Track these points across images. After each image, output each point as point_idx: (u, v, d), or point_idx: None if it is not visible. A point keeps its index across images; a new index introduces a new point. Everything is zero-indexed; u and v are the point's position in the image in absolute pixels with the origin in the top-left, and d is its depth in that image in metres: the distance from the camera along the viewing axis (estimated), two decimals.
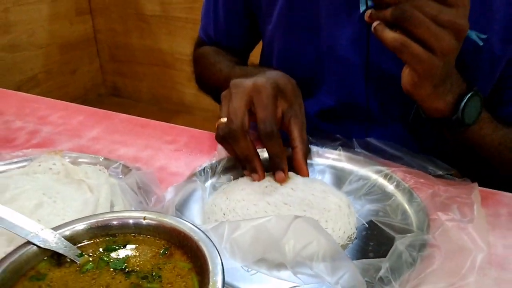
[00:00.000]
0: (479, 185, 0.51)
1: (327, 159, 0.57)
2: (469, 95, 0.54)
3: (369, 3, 0.50)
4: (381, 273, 0.37)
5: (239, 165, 0.54)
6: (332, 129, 0.65)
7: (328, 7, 0.63)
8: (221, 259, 0.33)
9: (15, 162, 0.57)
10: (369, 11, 0.49)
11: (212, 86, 0.78)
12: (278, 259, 0.38)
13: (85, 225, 0.37)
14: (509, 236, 0.46)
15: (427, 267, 0.39)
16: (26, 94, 0.88)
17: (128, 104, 1.67)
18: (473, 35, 0.55)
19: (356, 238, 0.44)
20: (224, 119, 0.52)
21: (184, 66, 1.63)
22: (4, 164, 0.57)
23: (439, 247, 0.40)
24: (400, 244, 0.40)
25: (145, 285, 0.33)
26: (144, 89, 1.64)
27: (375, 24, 0.48)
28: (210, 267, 0.33)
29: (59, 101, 0.84)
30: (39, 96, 0.85)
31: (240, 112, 0.51)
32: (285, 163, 0.51)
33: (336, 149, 0.58)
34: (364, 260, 0.39)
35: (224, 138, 0.52)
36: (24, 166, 0.56)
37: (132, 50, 1.58)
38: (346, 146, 0.59)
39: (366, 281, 0.36)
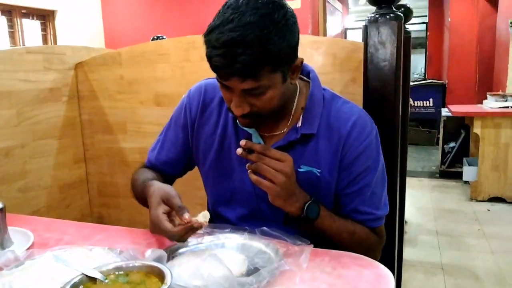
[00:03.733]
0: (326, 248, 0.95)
1: (239, 239, 0.99)
2: (308, 202, 0.98)
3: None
4: (249, 280, 0.77)
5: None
6: (245, 225, 1.06)
7: (238, 161, 1.08)
8: (171, 276, 0.74)
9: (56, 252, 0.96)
10: (241, 150, 0.93)
11: (137, 199, 1.18)
12: (199, 279, 0.78)
13: (108, 266, 0.78)
14: (322, 266, 0.87)
15: (272, 279, 0.80)
16: (47, 218, 1.29)
17: None
18: (314, 170, 1.04)
19: (245, 273, 0.85)
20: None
21: None
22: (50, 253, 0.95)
23: (280, 270, 0.82)
24: (263, 270, 0.81)
25: (137, 286, 0.73)
26: (124, 217, 2.03)
27: (249, 172, 0.95)
28: (166, 280, 0.73)
29: (70, 221, 1.25)
30: (57, 219, 1.27)
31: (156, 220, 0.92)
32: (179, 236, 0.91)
33: (243, 235, 1.00)
34: (242, 278, 0.79)
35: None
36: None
37: (116, 187, 2.01)
38: (251, 233, 1.02)
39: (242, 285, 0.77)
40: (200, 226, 0.90)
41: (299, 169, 1.03)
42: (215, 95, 1.16)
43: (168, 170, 1.23)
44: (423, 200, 4.17)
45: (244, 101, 0.94)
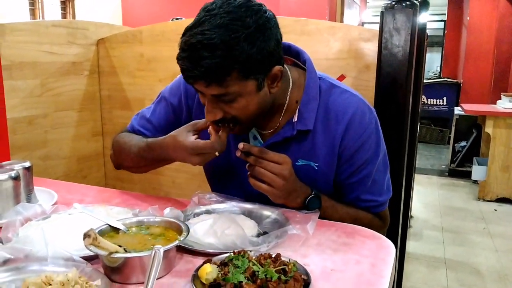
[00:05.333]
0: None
1: (249, 207, 1.04)
2: (310, 197, 0.99)
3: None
4: (260, 240, 0.83)
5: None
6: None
7: (236, 156, 0.97)
8: (188, 230, 0.80)
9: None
10: (240, 153, 0.94)
11: (125, 162, 1.17)
12: (213, 236, 0.84)
13: (131, 219, 0.84)
14: (328, 234, 0.92)
15: (281, 241, 0.85)
16: (69, 182, 1.36)
17: None
18: (311, 164, 1.05)
19: (257, 235, 0.90)
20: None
21: (169, 172, 2.08)
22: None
23: (288, 234, 0.87)
24: (272, 233, 0.87)
25: (157, 238, 0.79)
26: (137, 191, 2.12)
27: (248, 174, 0.95)
28: (183, 232, 0.79)
29: (91, 185, 1.32)
30: (78, 183, 1.33)
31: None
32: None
33: (254, 204, 1.05)
34: (253, 238, 0.85)
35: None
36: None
37: None
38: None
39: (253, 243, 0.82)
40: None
41: (296, 163, 1.03)
42: None
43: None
44: (431, 197, 4.20)
45: (216, 107, 0.92)
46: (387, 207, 1.13)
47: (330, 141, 1.03)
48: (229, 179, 1.15)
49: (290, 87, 1.04)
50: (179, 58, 0.87)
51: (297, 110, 1.03)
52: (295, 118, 1.02)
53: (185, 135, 0.97)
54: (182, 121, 1.16)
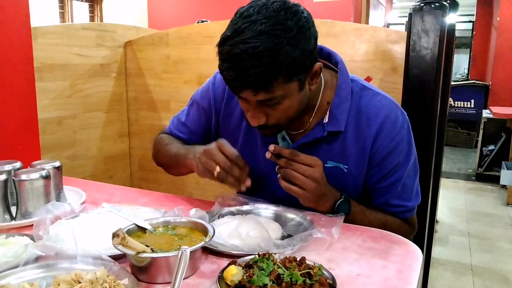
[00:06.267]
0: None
1: (274, 209, 1.04)
2: (339, 201, 0.98)
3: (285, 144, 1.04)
4: (284, 243, 0.83)
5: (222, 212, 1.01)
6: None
7: (264, 156, 0.98)
8: (213, 231, 0.80)
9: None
10: (270, 154, 0.94)
11: (163, 161, 1.23)
12: (237, 238, 0.84)
13: (157, 219, 0.85)
14: (353, 238, 0.91)
15: (305, 244, 0.85)
16: (96, 182, 1.39)
17: None
18: (341, 166, 1.04)
19: (281, 238, 0.90)
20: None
21: (192, 174, 2.09)
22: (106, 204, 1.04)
23: (313, 237, 0.87)
24: (296, 236, 0.86)
25: (183, 238, 0.80)
26: (161, 190, 2.15)
27: (278, 177, 0.95)
28: (209, 233, 0.80)
29: (118, 185, 1.34)
30: (105, 183, 1.36)
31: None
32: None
33: (279, 206, 1.05)
34: (278, 240, 0.85)
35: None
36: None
37: None
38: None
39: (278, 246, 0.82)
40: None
41: (325, 165, 1.01)
42: None
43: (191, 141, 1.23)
44: (457, 202, 4.10)
45: (260, 112, 0.93)
46: (415, 213, 1.11)
47: (361, 144, 1.02)
48: (257, 184, 1.13)
49: (322, 87, 1.04)
50: (223, 69, 0.86)
51: (327, 111, 1.02)
52: (326, 119, 1.02)
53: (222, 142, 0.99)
54: (212, 125, 1.19)
